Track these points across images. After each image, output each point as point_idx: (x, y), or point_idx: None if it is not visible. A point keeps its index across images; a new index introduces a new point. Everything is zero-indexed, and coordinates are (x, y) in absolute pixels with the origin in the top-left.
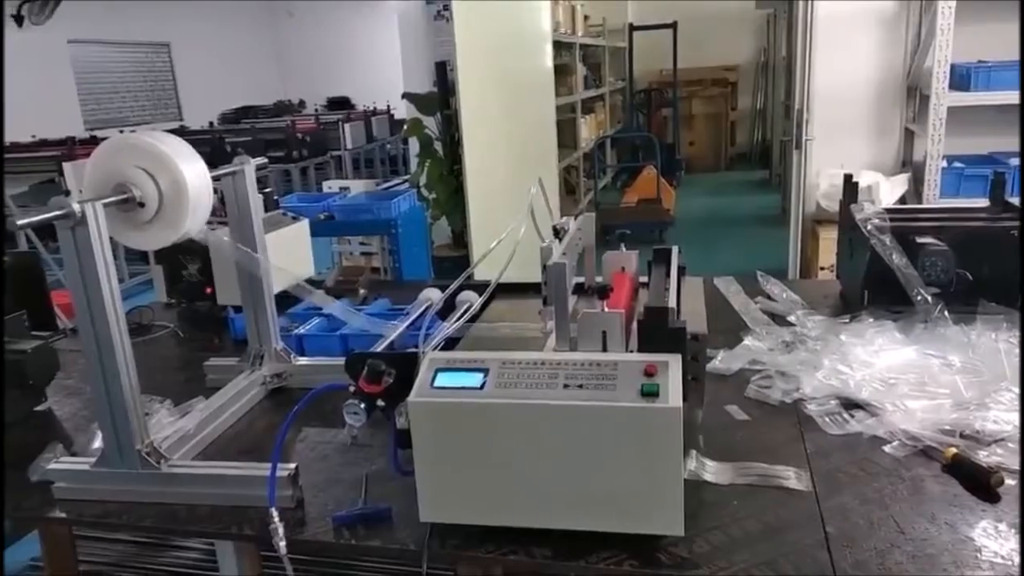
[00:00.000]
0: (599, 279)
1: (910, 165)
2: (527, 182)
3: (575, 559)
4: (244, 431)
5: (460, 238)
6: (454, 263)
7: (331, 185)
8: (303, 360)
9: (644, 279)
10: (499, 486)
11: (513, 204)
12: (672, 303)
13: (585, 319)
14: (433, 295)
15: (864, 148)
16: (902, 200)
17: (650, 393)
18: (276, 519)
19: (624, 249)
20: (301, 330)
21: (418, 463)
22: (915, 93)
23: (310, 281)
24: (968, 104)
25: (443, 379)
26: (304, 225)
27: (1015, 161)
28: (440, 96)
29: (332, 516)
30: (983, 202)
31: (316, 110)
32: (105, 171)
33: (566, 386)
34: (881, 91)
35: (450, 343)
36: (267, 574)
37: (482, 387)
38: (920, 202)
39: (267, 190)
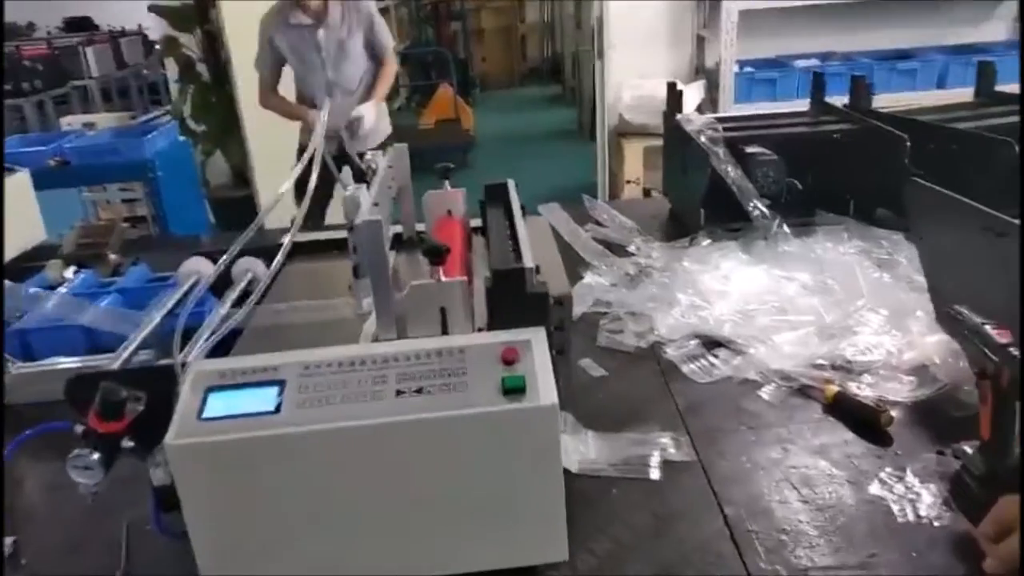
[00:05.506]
0: (420, 226)
1: (703, 72)
2: None
3: None
4: None
5: (241, 175)
6: (239, 206)
7: (71, 122)
8: (27, 367)
9: (476, 222)
10: (319, 537)
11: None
12: (528, 261)
13: (416, 293)
14: (201, 266)
15: (659, 57)
16: (699, 108)
17: (514, 389)
18: None
19: (448, 187)
20: (22, 323)
21: (193, 528)
22: None
23: (46, 247)
24: (757, 8)
25: (217, 404)
26: (23, 177)
27: (800, 63)
28: (197, 8)
29: None
30: (774, 106)
31: (49, 33)
32: None
33: (400, 392)
34: None
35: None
36: None
37: (277, 409)
38: (716, 109)
39: None
